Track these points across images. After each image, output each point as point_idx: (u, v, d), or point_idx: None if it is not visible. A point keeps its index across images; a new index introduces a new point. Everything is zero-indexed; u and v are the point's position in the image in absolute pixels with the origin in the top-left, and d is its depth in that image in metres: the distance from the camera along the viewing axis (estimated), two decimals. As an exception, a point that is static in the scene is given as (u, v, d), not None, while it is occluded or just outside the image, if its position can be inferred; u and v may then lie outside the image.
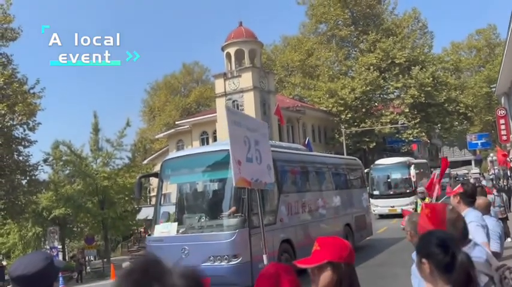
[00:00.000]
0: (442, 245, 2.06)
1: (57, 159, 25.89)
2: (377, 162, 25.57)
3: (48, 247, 26.08)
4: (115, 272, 18.93)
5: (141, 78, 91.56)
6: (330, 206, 12.50)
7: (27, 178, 23.56)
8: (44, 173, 26.48)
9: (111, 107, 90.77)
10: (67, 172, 26.75)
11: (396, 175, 23.70)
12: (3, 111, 20.82)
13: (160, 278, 0.78)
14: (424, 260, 2.12)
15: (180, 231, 9.26)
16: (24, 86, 22.50)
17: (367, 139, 38.36)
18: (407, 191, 22.38)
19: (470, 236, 3.17)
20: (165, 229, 9.38)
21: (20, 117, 22.15)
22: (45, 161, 25.23)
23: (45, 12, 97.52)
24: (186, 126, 35.78)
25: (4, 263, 35.58)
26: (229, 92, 31.21)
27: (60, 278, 15.22)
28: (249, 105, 30.45)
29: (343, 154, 29.67)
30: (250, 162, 3.81)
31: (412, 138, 39.16)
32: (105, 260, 26.47)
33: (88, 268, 26.35)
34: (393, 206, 21.57)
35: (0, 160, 22.36)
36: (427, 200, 12.16)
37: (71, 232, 29.60)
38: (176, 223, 9.54)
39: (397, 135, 39.72)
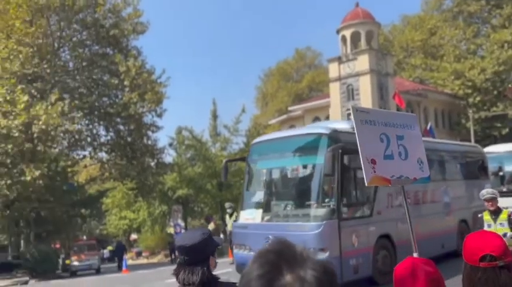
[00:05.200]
0: None
1: (180, 143, 27.80)
2: (487, 149, 20.88)
3: (172, 224, 28.29)
4: (231, 251, 19.79)
5: (256, 65, 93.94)
6: (442, 199, 11.02)
7: (155, 160, 25.73)
8: (169, 156, 28.63)
9: (228, 95, 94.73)
10: (189, 155, 28.57)
11: (511, 167, 18.20)
12: (135, 100, 22.87)
13: (292, 262, 0.80)
14: None
15: (265, 219, 8.89)
16: (152, 76, 24.43)
17: (499, 125, 34.51)
18: None
19: None
20: (249, 216, 9.11)
21: (149, 105, 24.16)
22: (170, 145, 27.34)
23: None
24: (298, 112, 35.73)
25: (135, 236, 39.43)
26: (344, 76, 30.35)
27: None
28: (365, 89, 29.30)
29: (469, 141, 27.05)
30: (390, 159, 3.62)
31: (554, 124, 34.28)
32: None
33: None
34: (506, 208, 16.39)
35: (132, 143, 24.72)
36: None
37: (192, 211, 31.73)
38: (261, 210, 9.10)
39: (536, 120, 35.07)
